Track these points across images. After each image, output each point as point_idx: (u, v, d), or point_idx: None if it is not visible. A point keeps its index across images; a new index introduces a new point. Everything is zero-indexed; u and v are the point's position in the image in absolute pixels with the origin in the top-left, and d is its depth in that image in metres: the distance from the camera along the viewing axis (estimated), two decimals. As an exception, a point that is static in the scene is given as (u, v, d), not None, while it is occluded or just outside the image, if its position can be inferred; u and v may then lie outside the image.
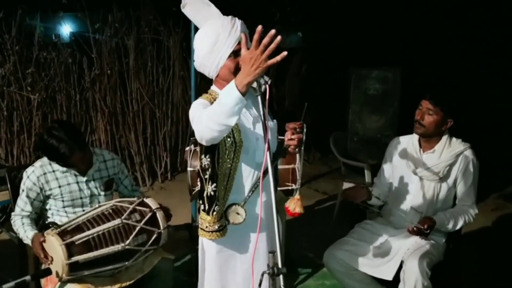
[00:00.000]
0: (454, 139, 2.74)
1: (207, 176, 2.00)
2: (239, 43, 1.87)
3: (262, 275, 1.69)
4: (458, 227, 2.65)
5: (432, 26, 6.77)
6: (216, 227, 2.01)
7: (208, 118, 1.73)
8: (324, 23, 6.82)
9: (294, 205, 2.22)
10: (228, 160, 1.99)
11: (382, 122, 4.55)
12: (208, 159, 1.98)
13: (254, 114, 2.06)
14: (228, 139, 1.96)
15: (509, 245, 4.17)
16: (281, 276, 1.64)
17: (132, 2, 5.46)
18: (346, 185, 4.47)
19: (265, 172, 1.78)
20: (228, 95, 1.64)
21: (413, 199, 2.75)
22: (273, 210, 1.71)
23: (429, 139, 2.74)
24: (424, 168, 2.70)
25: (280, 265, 1.64)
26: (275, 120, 2.14)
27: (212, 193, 2.00)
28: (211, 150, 1.97)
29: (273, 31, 1.53)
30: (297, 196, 2.21)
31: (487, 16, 6.61)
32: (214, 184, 1.99)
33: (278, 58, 1.56)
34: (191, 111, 1.92)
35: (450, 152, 2.69)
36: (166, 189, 5.63)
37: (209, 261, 2.12)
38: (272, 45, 1.55)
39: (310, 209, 5.02)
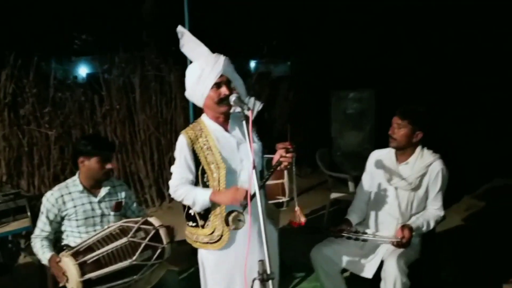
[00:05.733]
0: (425, 150, 2.71)
1: None
2: (221, 76, 1.96)
3: (253, 281, 1.68)
4: (430, 228, 2.63)
5: (401, 49, 6.83)
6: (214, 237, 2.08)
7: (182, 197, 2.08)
8: (306, 54, 6.90)
9: (297, 217, 2.12)
10: (215, 181, 2.04)
11: (361, 137, 4.59)
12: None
13: (238, 136, 2.06)
14: (212, 165, 2.02)
15: (482, 239, 4.14)
16: (270, 282, 1.63)
17: (136, 44, 5.52)
18: (334, 195, 4.48)
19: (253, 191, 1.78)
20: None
21: (389, 207, 2.71)
22: (261, 224, 1.72)
23: (403, 151, 2.71)
24: (399, 179, 2.68)
25: (268, 272, 1.63)
26: (260, 142, 2.15)
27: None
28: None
29: None
30: (296, 208, 2.12)
31: (454, 39, 6.66)
32: None
33: None
34: (175, 153, 2.09)
35: (422, 163, 2.66)
36: (173, 208, 5.56)
37: (209, 274, 2.14)
38: None
39: (303, 219, 4.98)
